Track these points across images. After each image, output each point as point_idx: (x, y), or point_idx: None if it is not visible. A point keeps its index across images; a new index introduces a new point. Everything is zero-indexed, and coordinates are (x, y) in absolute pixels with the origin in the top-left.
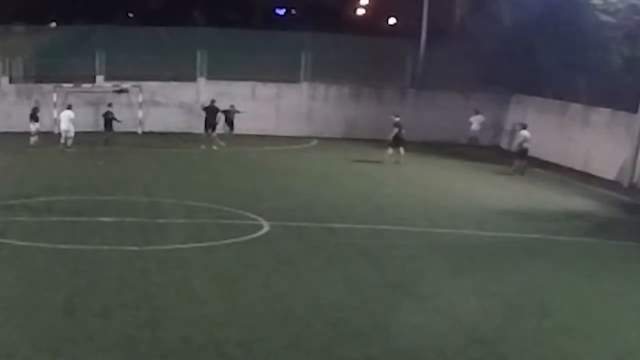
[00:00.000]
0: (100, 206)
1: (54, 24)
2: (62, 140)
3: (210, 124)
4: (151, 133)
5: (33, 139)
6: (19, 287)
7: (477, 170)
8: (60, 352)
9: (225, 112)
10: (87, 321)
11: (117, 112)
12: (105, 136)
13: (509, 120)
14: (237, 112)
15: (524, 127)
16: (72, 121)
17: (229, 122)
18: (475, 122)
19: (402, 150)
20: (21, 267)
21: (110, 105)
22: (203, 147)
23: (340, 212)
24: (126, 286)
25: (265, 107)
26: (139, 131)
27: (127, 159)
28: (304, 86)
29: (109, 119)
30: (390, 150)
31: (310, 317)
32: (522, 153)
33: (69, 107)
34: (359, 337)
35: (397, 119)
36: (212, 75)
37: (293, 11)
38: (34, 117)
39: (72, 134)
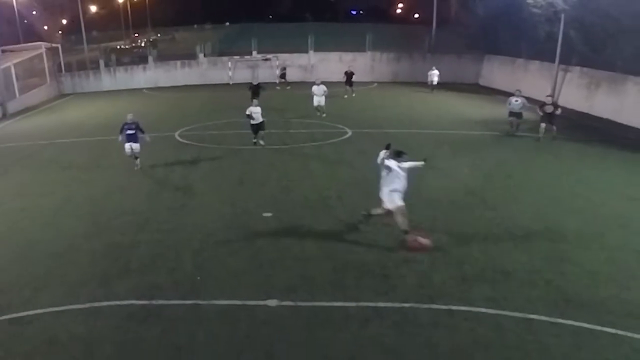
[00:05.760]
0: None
1: (227, 23)
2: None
3: (350, 83)
4: (282, 83)
5: (137, 163)
6: (216, 172)
7: (465, 97)
8: (235, 204)
9: (346, 73)
10: (251, 188)
11: (265, 73)
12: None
13: (484, 70)
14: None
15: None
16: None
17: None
18: (434, 76)
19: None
20: (216, 161)
21: (284, 69)
22: (345, 96)
23: (393, 123)
24: (273, 168)
25: (347, 66)
26: (277, 82)
27: (269, 97)
28: (368, 54)
29: (284, 74)
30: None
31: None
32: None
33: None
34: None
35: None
36: (317, 49)
37: (361, 12)
38: (133, 134)
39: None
